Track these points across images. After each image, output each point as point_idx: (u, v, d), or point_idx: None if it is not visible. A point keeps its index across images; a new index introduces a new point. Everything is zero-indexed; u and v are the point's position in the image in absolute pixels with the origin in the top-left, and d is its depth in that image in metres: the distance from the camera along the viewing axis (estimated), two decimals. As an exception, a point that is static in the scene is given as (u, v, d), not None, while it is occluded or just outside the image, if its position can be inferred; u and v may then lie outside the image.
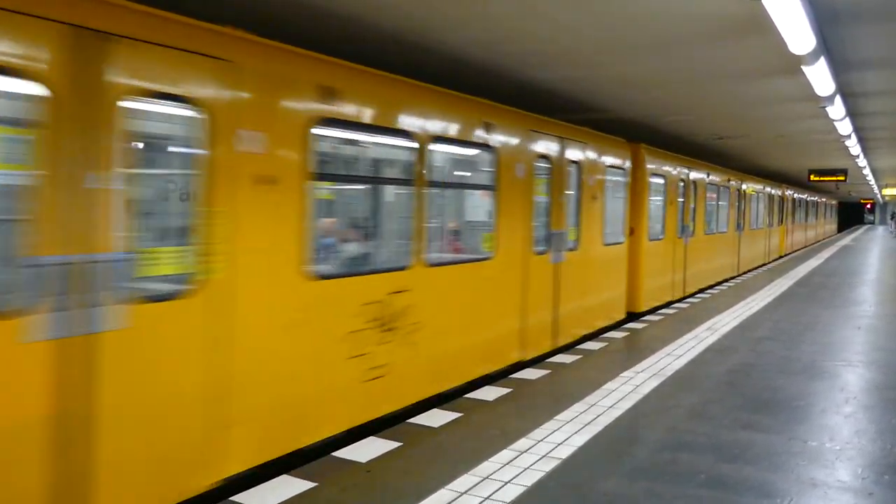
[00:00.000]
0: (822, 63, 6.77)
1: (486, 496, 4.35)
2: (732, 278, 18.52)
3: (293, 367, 5.10)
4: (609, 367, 7.77)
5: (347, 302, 5.59)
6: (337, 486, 4.49)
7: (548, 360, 8.14)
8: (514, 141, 7.95)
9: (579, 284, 9.57)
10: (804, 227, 35.25)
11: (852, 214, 73.29)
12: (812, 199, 38.30)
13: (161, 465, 4.18)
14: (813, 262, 23.59)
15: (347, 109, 5.54)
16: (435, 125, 6.63)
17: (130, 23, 3.91)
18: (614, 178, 10.95)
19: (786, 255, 27.85)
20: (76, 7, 3.68)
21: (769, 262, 24.16)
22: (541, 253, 8.54)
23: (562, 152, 8.98)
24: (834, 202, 55.45)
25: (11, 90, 3.63)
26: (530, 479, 4.64)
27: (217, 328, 4.47)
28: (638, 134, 12.93)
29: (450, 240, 8.29)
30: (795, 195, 31.12)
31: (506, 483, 4.55)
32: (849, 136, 13.42)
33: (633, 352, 8.69)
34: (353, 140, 6.68)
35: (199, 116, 4.34)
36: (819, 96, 8.64)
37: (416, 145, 6.37)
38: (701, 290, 15.53)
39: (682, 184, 14.06)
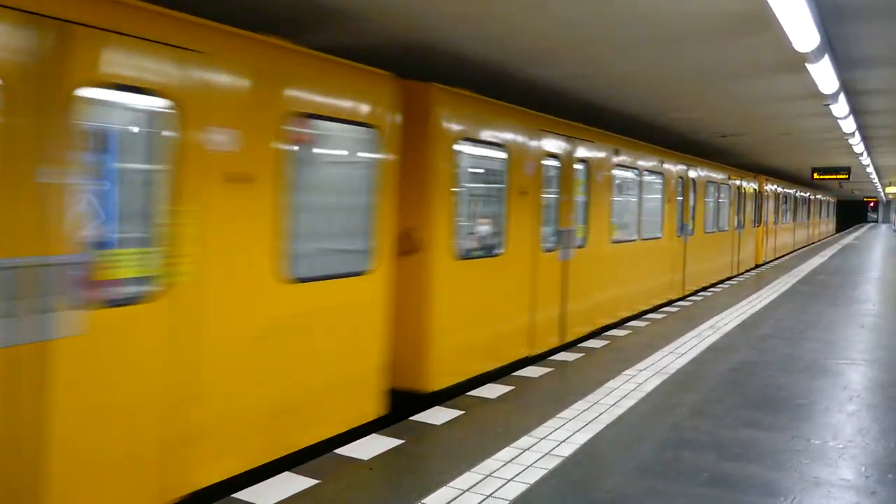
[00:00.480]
0: (825, 60, 6.75)
1: (488, 493, 4.35)
2: (666, 305, 12.76)
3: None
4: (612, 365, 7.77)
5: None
6: (339, 484, 4.49)
7: (550, 358, 8.13)
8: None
9: None
10: (792, 229, 30.15)
11: (855, 212, 73.23)
12: (803, 195, 33.41)
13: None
14: (816, 260, 22.75)
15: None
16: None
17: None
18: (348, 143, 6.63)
19: (765, 263, 22.84)
20: None
21: (739, 275, 18.88)
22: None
23: None
24: (831, 199, 50.33)
25: None
26: (532, 476, 4.63)
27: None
28: (638, 132, 12.90)
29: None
30: (780, 190, 25.89)
31: (508, 480, 4.55)
32: (852, 134, 13.37)
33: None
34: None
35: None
36: (823, 94, 8.61)
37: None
38: (599, 331, 9.95)
39: (554, 164, 8.78)
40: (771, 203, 23.75)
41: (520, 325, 8.10)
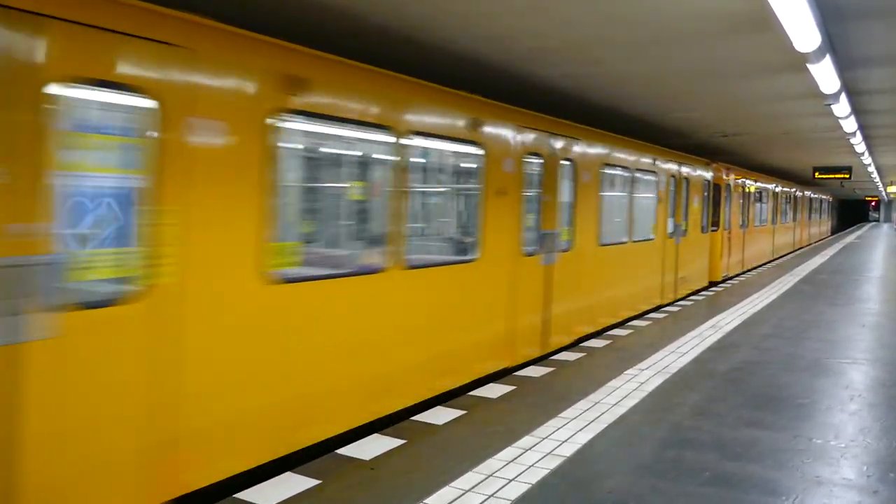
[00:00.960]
0: (827, 60, 6.75)
1: (490, 494, 4.35)
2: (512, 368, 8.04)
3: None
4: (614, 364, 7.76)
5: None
6: (341, 484, 4.50)
7: (552, 358, 8.13)
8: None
9: None
10: (771, 232, 24.41)
11: (857, 212, 73.15)
12: (787, 190, 27.74)
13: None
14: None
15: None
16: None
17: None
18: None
19: (726, 280, 17.14)
20: None
21: (676, 301, 13.38)
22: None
23: None
24: (825, 196, 43.15)
25: None
26: (534, 476, 4.63)
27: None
28: (639, 131, 12.90)
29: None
30: (752, 184, 20.33)
31: (510, 480, 4.55)
32: (854, 134, 13.37)
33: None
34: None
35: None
36: (824, 94, 8.61)
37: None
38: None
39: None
40: (736, 200, 18.33)
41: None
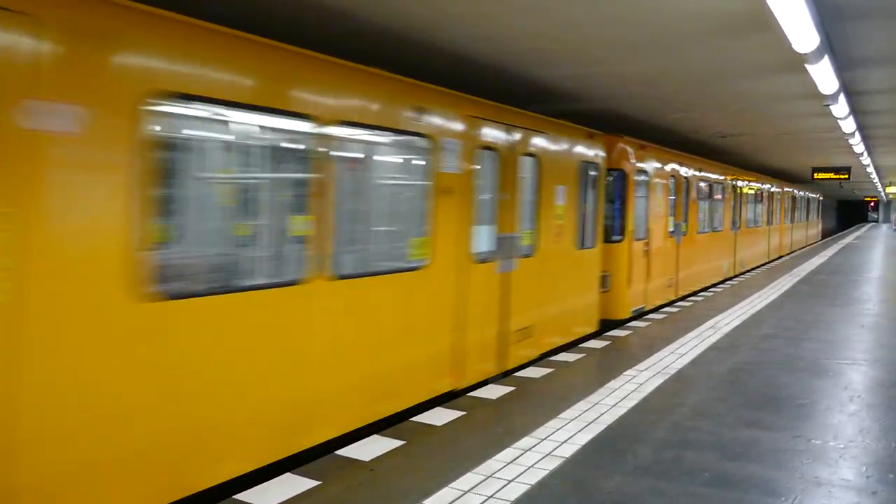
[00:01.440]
0: (825, 61, 6.75)
1: (489, 494, 4.35)
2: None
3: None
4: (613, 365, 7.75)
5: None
6: (341, 485, 4.49)
7: (550, 359, 8.13)
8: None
9: None
10: (732, 239, 18.34)
11: (856, 212, 73.19)
12: (762, 186, 22.08)
13: None
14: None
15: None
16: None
17: None
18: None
19: (640, 315, 11.55)
20: None
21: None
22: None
23: None
24: (813, 195, 36.21)
25: None
26: (534, 477, 4.64)
27: None
28: (639, 130, 12.90)
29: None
30: (684, 170, 14.10)
31: (509, 481, 4.55)
32: (852, 134, 13.38)
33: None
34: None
35: None
36: (823, 94, 8.61)
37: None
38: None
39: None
40: (658, 196, 12.59)
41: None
